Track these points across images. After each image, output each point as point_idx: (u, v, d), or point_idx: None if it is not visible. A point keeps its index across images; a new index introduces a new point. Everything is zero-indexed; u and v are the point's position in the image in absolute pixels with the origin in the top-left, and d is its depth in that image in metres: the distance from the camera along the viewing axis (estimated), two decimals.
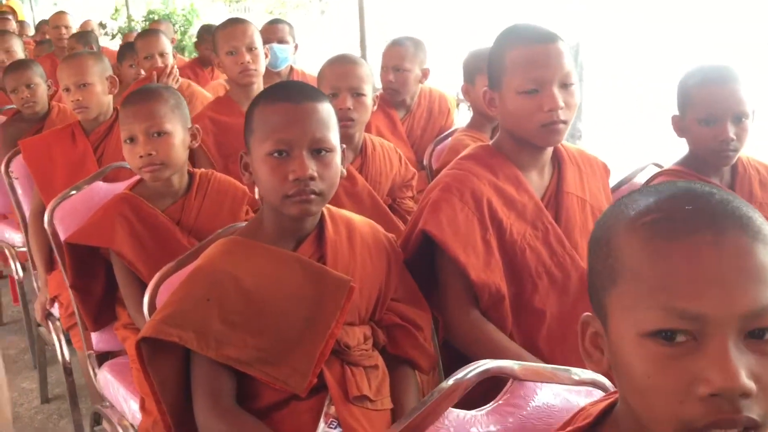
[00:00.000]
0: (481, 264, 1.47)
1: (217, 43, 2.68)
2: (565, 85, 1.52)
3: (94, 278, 1.94)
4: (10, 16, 6.78)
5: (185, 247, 1.84)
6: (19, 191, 2.64)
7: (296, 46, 3.57)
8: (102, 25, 6.78)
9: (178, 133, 1.84)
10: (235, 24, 2.67)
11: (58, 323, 2.38)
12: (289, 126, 1.30)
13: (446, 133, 2.72)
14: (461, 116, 3.37)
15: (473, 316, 1.50)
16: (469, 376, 0.95)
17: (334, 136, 1.35)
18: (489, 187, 1.53)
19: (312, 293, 1.33)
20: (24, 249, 3.03)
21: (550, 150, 1.61)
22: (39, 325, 2.58)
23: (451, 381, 0.96)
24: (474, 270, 1.46)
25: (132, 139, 1.80)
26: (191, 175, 1.93)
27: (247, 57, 2.62)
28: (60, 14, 5.07)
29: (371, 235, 1.47)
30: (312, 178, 1.29)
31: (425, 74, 3.04)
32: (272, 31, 3.48)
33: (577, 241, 1.57)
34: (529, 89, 1.51)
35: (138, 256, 1.80)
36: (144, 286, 1.82)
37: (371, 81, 2.24)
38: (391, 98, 3.04)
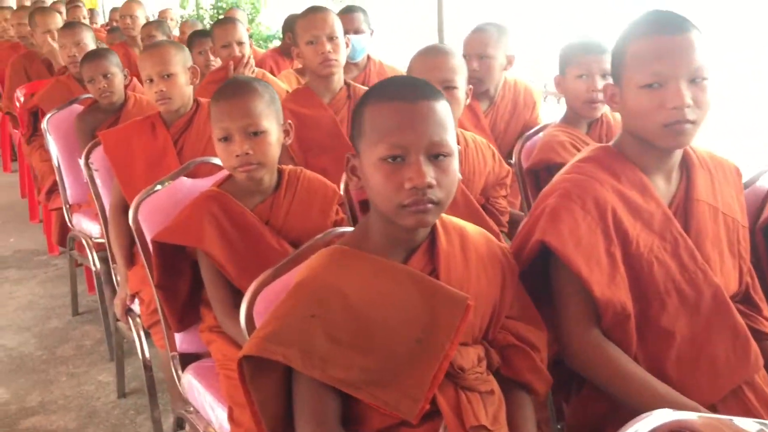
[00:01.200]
0: (606, 279, 1.34)
1: (297, 32, 2.59)
2: (694, 80, 1.37)
3: (180, 277, 1.87)
4: (81, 4, 6.84)
5: (274, 248, 1.76)
6: (99, 183, 2.60)
7: (372, 32, 3.45)
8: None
9: (274, 131, 1.75)
10: (315, 12, 2.57)
11: (138, 320, 2.33)
12: (405, 128, 1.19)
13: (537, 128, 2.57)
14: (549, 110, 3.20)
15: (594, 336, 1.37)
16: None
17: (452, 138, 1.23)
18: (613, 194, 1.39)
19: (424, 310, 1.22)
20: (101, 240, 3.01)
21: (678, 153, 1.46)
22: (118, 320, 2.54)
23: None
24: (598, 285, 1.33)
25: (227, 138, 1.71)
26: (280, 172, 1.85)
27: (328, 46, 2.52)
28: (128, 4, 5.05)
29: (485, 246, 1.35)
30: (430, 186, 1.17)
31: (510, 61, 2.88)
32: (347, 21, 3.32)
33: (709, 254, 1.42)
34: (651, 83, 1.37)
35: (227, 257, 1.72)
36: (232, 287, 1.76)
37: (464, 72, 2.11)
38: (475, 88, 2.89)
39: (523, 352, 1.33)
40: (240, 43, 3.34)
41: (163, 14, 6.79)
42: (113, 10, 7.12)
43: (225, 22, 3.53)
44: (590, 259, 1.33)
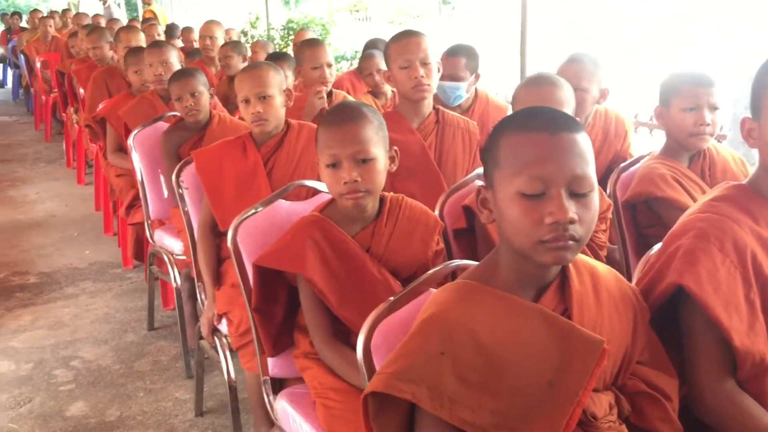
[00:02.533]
0: (745, 327, 1.26)
1: (390, 55, 2.57)
2: None
3: (277, 302, 1.85)
4: (157, 22, 7.01)
5: (375, 277, 1.73)
6: (188, 201, 2.62)
7: (477, 76, 3.34)
8: (243, 33, 6.90)
9: (381, 158, 1.73)
10: (409, 37, 2.55)
11: (224, 340, 2.32)
12: (546, 161, 1.14)
13: (632, 159, 2.49)
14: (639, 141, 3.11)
15: (729, 387, 1.29)
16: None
17: (593, 172, 1.18)
18: (751, 236, 1.32)
19: (557, 353, 1.16)
20: (183, 257, 3.04)
21: None
22: (201, 338, 2.54)
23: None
24: (738, 334, 1.26)
25: (335, 164, 1.69)
26: (382, 199, 1.82)
27: (421, 71, 2.49)
28: (208, 25, 5.14)
29: (616, 287, 1.29)
30: (572, 222, 1.13)
31: (604, 95, 2.81)
32: (446, 65, 3.10)
33: None
34: None
35: (328, 284, 1.69)
36: (331, 315, 1.73)
37: (571, 104, 2.06)
38: None
39: (655, 401, 1.26)
40: (329, 65, 3.34)
41: (226, 35, 6.87)
42: (186, 30, 7.25)
43: (315, 43, 3.53)
44: (729, 305, 1.26)
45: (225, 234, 2.46)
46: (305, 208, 1.99)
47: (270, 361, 1.93)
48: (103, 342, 3.33)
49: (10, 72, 12.09)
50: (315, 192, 2.18)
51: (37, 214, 5.38)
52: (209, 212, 2.45)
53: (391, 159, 1.80)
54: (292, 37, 7.05)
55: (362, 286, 1.71)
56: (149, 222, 3.32)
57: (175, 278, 2.99)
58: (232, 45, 4.76)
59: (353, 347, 1.70)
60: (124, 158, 3.98)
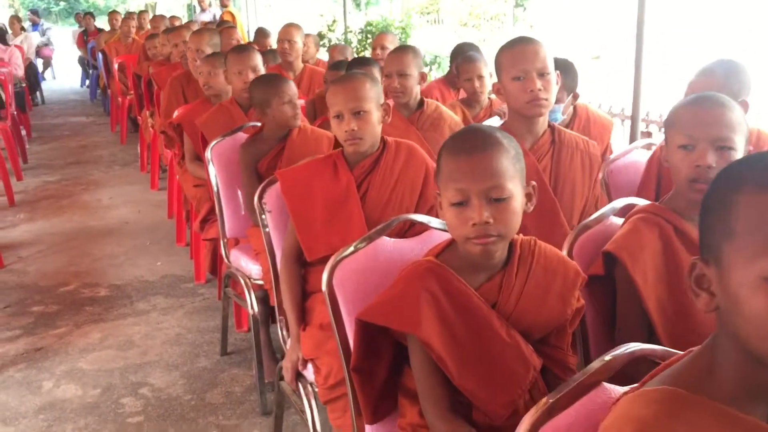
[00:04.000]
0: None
1: (502, 65, 2.25)
2: None
3: (380, 360, 1.56)
4: (234, 25, 6.86)
5: (502, 340, 1.42)
6: (270, 225, 2.36)
7: (576, 96, 3.02)
8: (321, 36, 6.68)
9: (518, 196, 1.44)
10: (525, 44, 2.22)
11: (310, 387, 2.05)
12: None
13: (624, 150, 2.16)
14: None
15: None
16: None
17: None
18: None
19: None
20: (260, 281, 2.79)
21: None
22: (281, 378, 2.28)
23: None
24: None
25: (464, 202, 1.41)
26: (511, 243, 1.50)
27: (538, 83, 2.17)
28: (288, 28, 4.91)
29: None
30: None
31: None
32: None
33: None
34: None
35: (447, 348, 1.39)
36: (448, 384, 1.43)
37: (744, 132, 1.69)
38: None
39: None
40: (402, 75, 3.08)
41: (306, 38, 6.65)
42: (261, 33, 7.07)
43: (400, 50, 3.25)
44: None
45: (311, 264, 2.22)
46: (413, 248, 1.69)
47: (368, 428, 1.64)
48: (174, 367, 3.11)
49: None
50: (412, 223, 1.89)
51: (110, 221, 5.26)
52: (295, 240, 2.18)
53: (528, 197, 1.48)
54: (370, 40, 6.79)
55: (488, 350, 1.40)
56: (225, 240, 3.09)
57: (252, 304, 2.75)
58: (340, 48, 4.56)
59: (475, 425, 1.41)
60: (202, 168, 3.77)
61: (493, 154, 1.39)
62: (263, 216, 2.33)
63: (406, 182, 2.23)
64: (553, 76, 2.22)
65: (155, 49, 6.49)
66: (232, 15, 11.61)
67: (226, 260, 3.05)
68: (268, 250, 2.36)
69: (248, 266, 2.86)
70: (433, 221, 1.77)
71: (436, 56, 6.71)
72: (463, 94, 3.91)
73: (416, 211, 2.21)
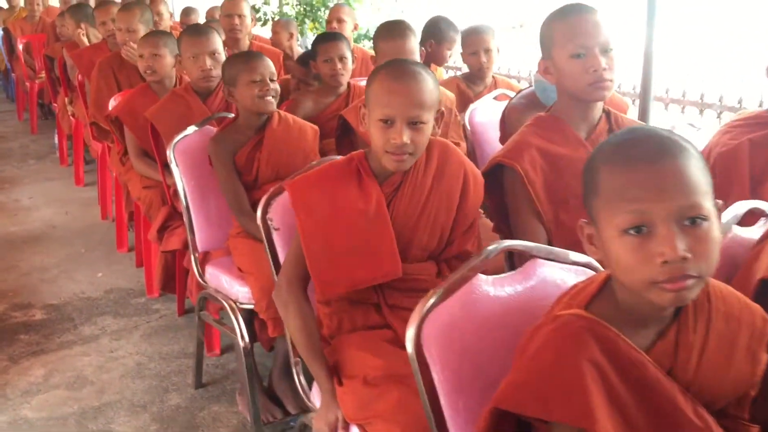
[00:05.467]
0: None
1: (554, 39, 1.86)
2: None
3: None
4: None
5: (692, 423, 1.03)
6: (277, 244, 1.91)
7: None
8: (255, 9, 6.10)
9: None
10: (583, 13, 1.84)
11: None
12: None
13: None
14: None
15: None
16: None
17: None
18: None
19: None
20: (248, 306, 2.34)
21: None
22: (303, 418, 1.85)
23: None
24: None
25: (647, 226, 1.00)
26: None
27: (603, 62, 1.81)
28: (235, 0, 4.36)
29: None
30: None
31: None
32: None
33: None
34: None
35: None
36: None
37: None
38: None
39: None
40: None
41: (211, 13, 6.01)
42: (187, 11, 6.41)
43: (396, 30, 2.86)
44: None
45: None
46: (525, 289, 1.29)
47: None
48: (140, 408, 2.62)
49: None
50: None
51: (33, 225, 4.62)
52: (303, 267, 1.74)
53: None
54: (313, 13, 6.28)
55: None
56: (196, 256, 2.60)
57: (242, 335, 2.30)
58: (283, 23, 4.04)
59: None
60: (152, 166, 3.25)
61: (683, 161, 1.01)
62: (270, 234, 1.87)
63: (440, 195, 1.82)
64: (616, 51, 1.85)
65: (63, 28, 5.77)
66: None
67: (199, 279, 2.57)
68: (275, 272, 1.90)
69: (232, 287, 2.40)
70: (540, 249, 1.37)
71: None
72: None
73: (452, 232, 1.82)
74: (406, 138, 1.67)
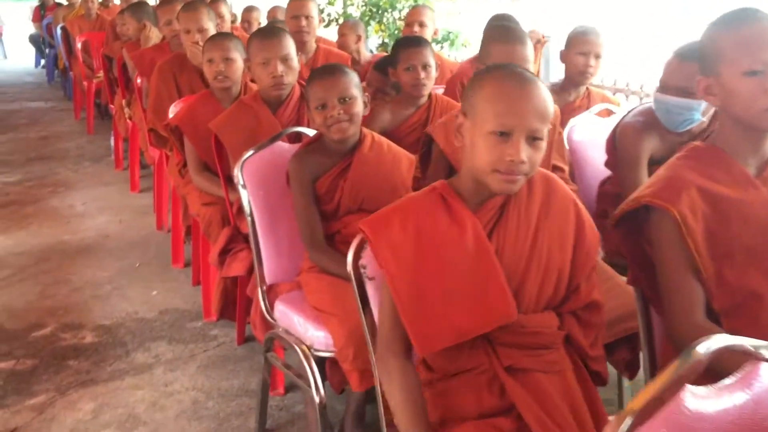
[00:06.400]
0: None
1: (723, 52, 1.50)
2: None
3: None
4: None
5: None
6: (369, 296, 1.59)
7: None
8: (320, 10, 5.82)
9: None
10: (758, 22, 1.48)
11: None
12: None
13: None
14: None
15: None
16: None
17: None
18: None
19: None
20: (327, 353, 2.03)
21: None
22: None
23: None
24: None
25: None
26: None
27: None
28: (301, 0, 4.08)
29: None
30: None
31: None
32: (675, 74, 2.29)
33: None
34: None
35: None
36: None
37: None
38: None
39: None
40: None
41: (273, 14, 5.67)
42: (250, 9, 6.17)
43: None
44: None
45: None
46: (740, 406, 0.94)
47: None
48: None
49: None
50: None
51: (86, 233, 4.41)
52: (401, 324, 1.43)
53: None
54: (379, 14, 5.98)
55: None
56: (263, 289, 2.31)
57: (317, 387, 1.99)
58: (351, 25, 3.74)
59: None
60: (214, 182, 2.98)
61: None
62: (363, 284, 1.55)
63: (550, 232, 1.52)
64: None
65: (124, 27, 5.55)
66: None
67: (267, 317, 2.27)
68: (369, 333, 1.59)
69: (306, 330, 2.09)
70: None
71: (449, 32, 5.92)
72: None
73: (573, 277, 1.50)
74: (524, 155, 1.39)
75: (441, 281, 1.44)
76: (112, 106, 5.90)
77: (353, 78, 2.20)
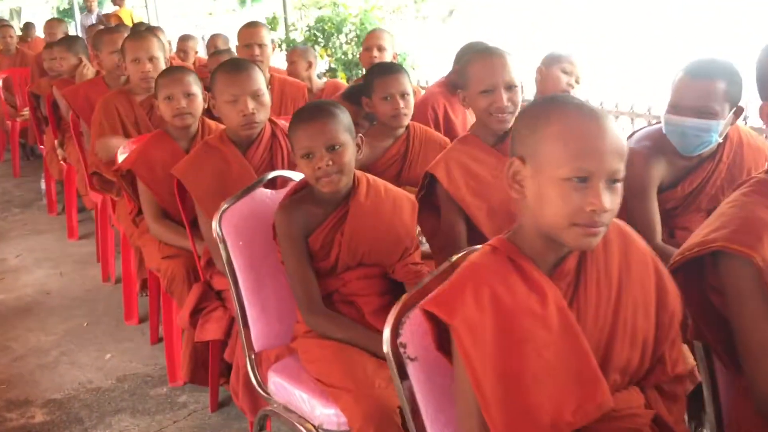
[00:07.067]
0: None
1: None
2: None
3: None
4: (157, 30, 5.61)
5: None
6: (411, 376, 1.34)
7: (739, 111, 2.15)
8: None
9: None
10: None
11: None
12: None
13: None
14: None
15: None
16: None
17: None
18: None
19: None
20: None
21: None
22: None
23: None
24: None
25: None
26: None
27: None
28: (255, 28, 3.78)
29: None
30: None
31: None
32: (691, 93, 2.09)
33: None
34: None
35: None
36: None
37: None
38: None
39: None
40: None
41: (213, 42, 5.36)
42: (186, 38, 5.86)
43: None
44: None
45: None
46: None
47: None
48: None
49: None
50: None
51: (24, 290, 3.98)
52: (483, 422, 1.19)
53: None
54: (325, 38, 5.75)
55: None
56: (252, 358, 2.02)
57: None
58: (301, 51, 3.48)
59: None
60: (176, 231, 2.68)
61: None
62: (403, 366, 1.30)
63: (633, 291, 1.31)
64: None
65: (54, 62, 5.11)
66: (125, 16, 10.18)
67: (260, 391, 1.98)
68: (411, 411, 1.33)
69: (312, 407, 1.81)
70: None
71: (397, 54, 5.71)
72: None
73: (658, 345, 1.29)
74: (607, 202, 1.18)
75: (527, 364, 1.19)
76: (41, 146, 5.46)
77: (342, 120, 1.93)
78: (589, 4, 12.97)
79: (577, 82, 2.83)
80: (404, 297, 1.33)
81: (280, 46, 6.01)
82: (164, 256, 2.71)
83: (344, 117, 1.94)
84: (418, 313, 1.28)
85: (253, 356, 2.01)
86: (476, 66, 2.14)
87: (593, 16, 12.70)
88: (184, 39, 5.83)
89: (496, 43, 3.45)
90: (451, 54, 3.61)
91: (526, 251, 1.27)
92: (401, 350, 1.30)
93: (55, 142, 4.82)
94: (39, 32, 7.93)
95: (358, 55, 5.69)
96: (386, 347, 1.30)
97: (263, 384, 1.97)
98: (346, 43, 5.68)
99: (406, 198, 2.00)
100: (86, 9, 11.55)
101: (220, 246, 2.00)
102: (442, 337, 1.25)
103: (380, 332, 1.33)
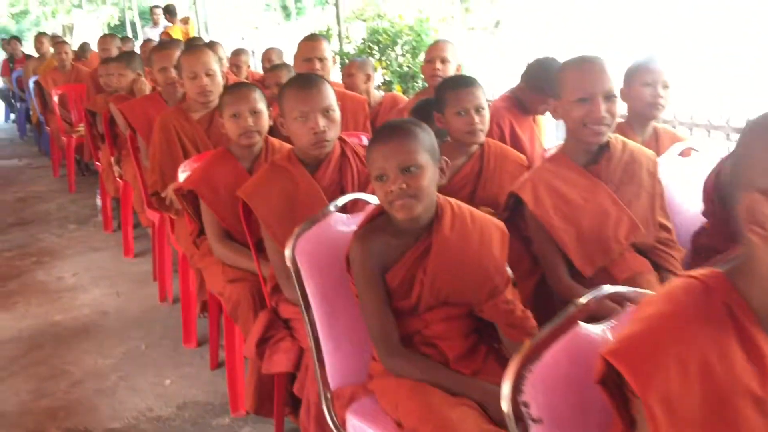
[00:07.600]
0: None
1: None
2: None
3: None
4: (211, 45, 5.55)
5: None
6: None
7: None
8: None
9: None
10: None
11: None
12: None
13: None
14: None
15: None
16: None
17: None
18: None
19: None
20: None
21: None
22: None
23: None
24: None
25: None
26: None
27: None
28: (315, 42, 3.67)
29: None
30: None
31: None
32: None
33: None
34: None
35: None
36: None
37: None
38: None
39: None
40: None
41: (268, 56, 5.28)
42: (238, 52, 5.80)
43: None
44: None
45: None
46: None
47: None
48: None
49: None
50: None
51: (81, 311, 3.92)
52: None
53: None
54: (380, 50, 5.63)
55: None
56: (328, 396, 1.88)
57: None
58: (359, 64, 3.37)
59: None
60: (242, 253, 2.57)
61: None
62: (526, 427, 1.13)
63: None
64: None
65: (109, 77, 5.09)
66: (176, 33, 10.20)
67: (335, 429, 1.84)
68: None
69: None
70: None
71: None
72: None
73: None
74: None
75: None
76: (96, 162, 5.45)
77: (422, 140, 1.73)
78: (612, 7, 12.74)
79: (665, 87, 2.62)
80: (526, 347, 1.15)
81: (333, 59, 5.90)
82: (229, 280, 2.59)
83: (426, 137, 1.77)
84: (542, 367, 1.11)
85: (329, 395, 1.86)
86: (573, 72, 1.97)
87: (609, 18, 12.46)
88: (236, 53, 5.77)
89: (549, 54, 3.31)
90: (499, 65, 3.46)
91: (754, 304, 1.01)
92: (523, 409, 1.13)
93: (112, 158, 4.79)
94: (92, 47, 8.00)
95: (414, 67, 5.56)
96: (505, 406, 1.13)
97: (340, 426, 1.82)
98: (402, 55, 5.54)
99: (494, 226, 1.81)
100: (151, 22, 11.67)
101: (293, 275, 1.86)
102: (610, 372, 1.02)
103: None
